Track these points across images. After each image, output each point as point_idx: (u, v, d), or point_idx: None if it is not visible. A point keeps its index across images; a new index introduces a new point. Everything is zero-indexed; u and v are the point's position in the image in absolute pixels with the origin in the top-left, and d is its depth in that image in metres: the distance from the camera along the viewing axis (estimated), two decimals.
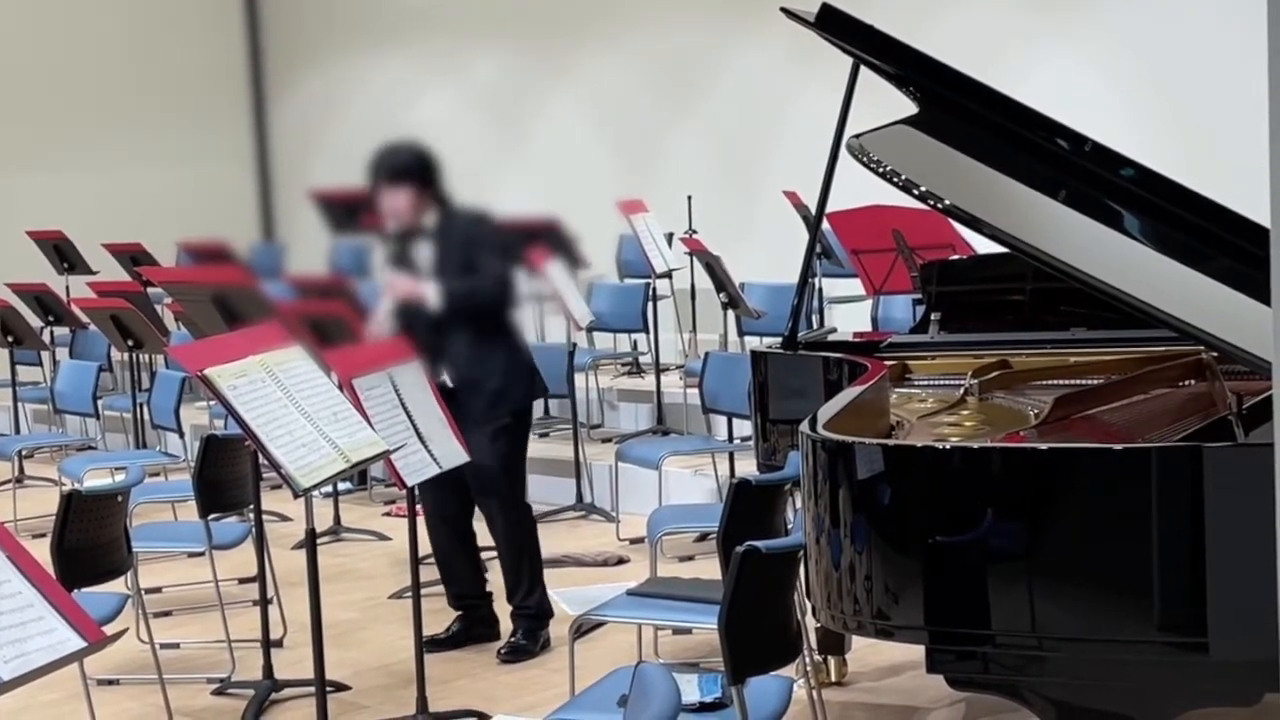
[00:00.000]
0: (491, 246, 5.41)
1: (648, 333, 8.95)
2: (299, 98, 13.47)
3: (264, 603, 5.16)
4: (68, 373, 8.59)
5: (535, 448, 7.83)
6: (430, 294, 5.30)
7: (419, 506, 5.65)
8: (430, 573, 5.69)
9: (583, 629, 4.78)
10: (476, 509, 5.63)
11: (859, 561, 3.28)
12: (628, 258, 9.90)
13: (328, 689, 4.33)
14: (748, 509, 4.22)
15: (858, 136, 3.95)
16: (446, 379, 5.29)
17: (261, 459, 4.23)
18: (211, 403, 8.44)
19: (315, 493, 3.93)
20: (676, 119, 10.91)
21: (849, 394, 3.95)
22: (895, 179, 3.75)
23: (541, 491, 8.03)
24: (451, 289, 5.31)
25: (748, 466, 5.71)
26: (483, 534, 5.66)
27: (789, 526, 4.41)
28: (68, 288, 9.97)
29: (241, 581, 6.22)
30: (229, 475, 5.56)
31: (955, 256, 6.33)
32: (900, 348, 4.89)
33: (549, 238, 7.51)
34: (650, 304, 8.95)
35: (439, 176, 5.41)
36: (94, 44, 12.59)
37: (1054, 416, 3.77)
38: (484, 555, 5.74)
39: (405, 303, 5.35)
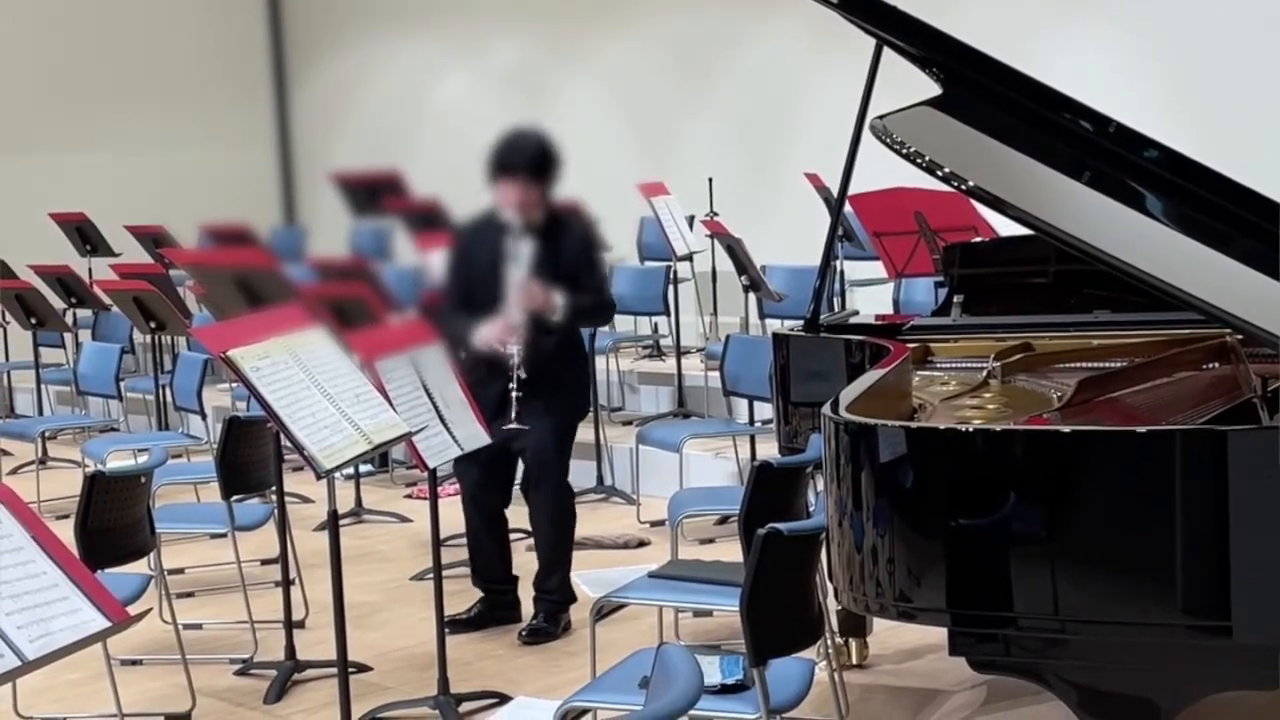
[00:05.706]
0: (601, 256, 5.42)
1: (669, 315, 8.93)
2: (321, 80, 13.47)
3: (286, 584, 5.18)
4: (90, 355, 8.60)
5: None
6: (558, 306, 5.21)
7: (454, 486, 5.64)
8: (451, 554, 5.71)
9: (604, 611, 4.79)
10: (509, 496, 5.62)
11: (881, 544, 3.28)
12: (648, 240, 9.88)
13: (349, 670, 4.33)
14: (769, 491, 4.21)
15: (881, 118, 3.94)
16: (521, 371, 5.19)
17: (284, 440, 4.23)
18: (234, 384, 8.47)
19: (337, 474, 3.94)
20: (698, 100, 10.88)
21: (871, 377, 3.95)
22: (919, 160, 3.73)
23: None
24: (578, 304, 5.25)
25: (769, 449, 5.70)
26: (513, 519, 5.66)
27: (811, 509, 4.40)
28: (90, 270, 9.99)
29: (264, 563, 6.24)
30: (251, 457, 5.58)
31: (978, 239, 6.30)
32: (922, 330, 4.88)
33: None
34: (671, 286, 8.93)
35: (560, 170, 5.32)
36: (116, 26, 12.60)
37: (1077, 399, 3.75)
38: (512, 539, 5.73)
39: (535, 312, 5.19)
